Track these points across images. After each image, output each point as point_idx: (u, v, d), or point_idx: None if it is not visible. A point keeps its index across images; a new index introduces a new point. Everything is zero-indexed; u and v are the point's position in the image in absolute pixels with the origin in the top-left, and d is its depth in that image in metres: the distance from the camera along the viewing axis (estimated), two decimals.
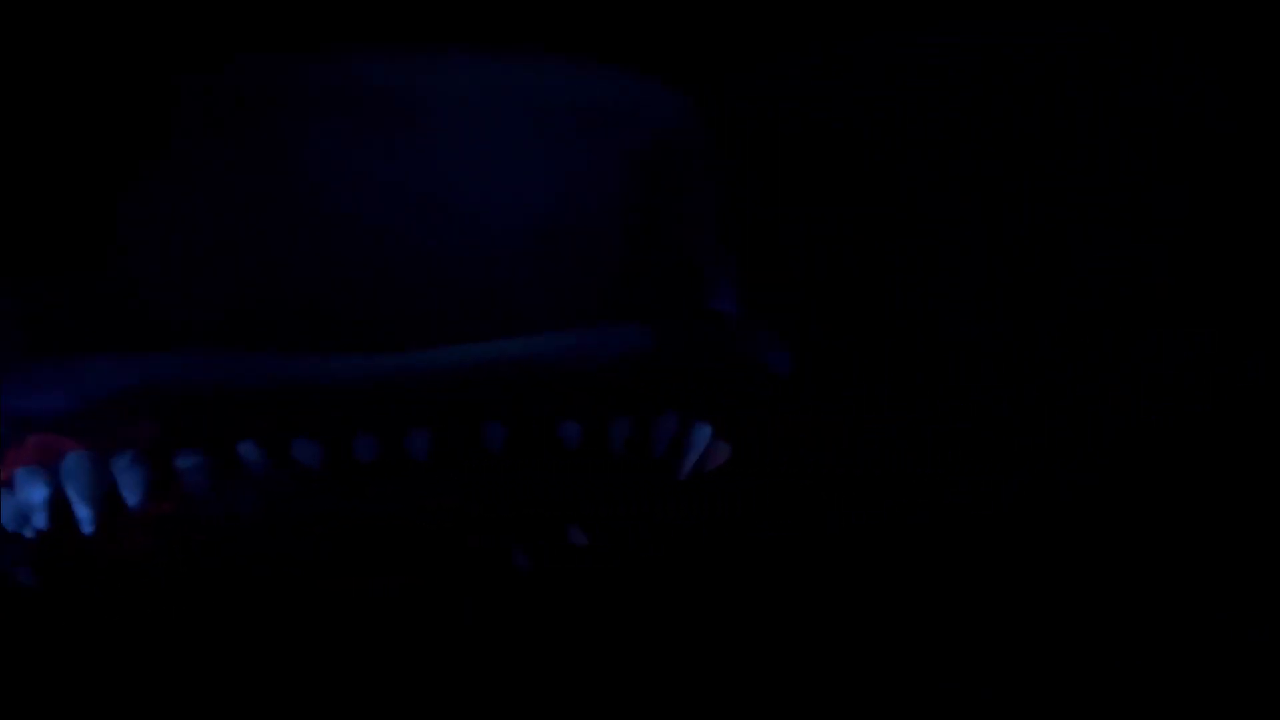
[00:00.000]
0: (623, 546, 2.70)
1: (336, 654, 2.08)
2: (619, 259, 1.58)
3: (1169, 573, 2.57)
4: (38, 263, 1.44)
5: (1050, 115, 2.88)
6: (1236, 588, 2.43)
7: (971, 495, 3.22)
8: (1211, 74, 2.72)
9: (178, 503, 1.43)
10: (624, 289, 1.61)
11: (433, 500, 1.69)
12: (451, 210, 1.47)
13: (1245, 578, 2.51)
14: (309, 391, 1.32)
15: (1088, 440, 3.40)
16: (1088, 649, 2.10)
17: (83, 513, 1.33)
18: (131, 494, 1.34)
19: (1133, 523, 3.02)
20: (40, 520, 1.35)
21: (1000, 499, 3.07)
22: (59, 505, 1.41)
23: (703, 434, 1.63)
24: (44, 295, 1.45)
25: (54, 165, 1.53)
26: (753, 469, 2.80)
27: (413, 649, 2.08)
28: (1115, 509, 3.20)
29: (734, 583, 2.55)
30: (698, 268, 1.77)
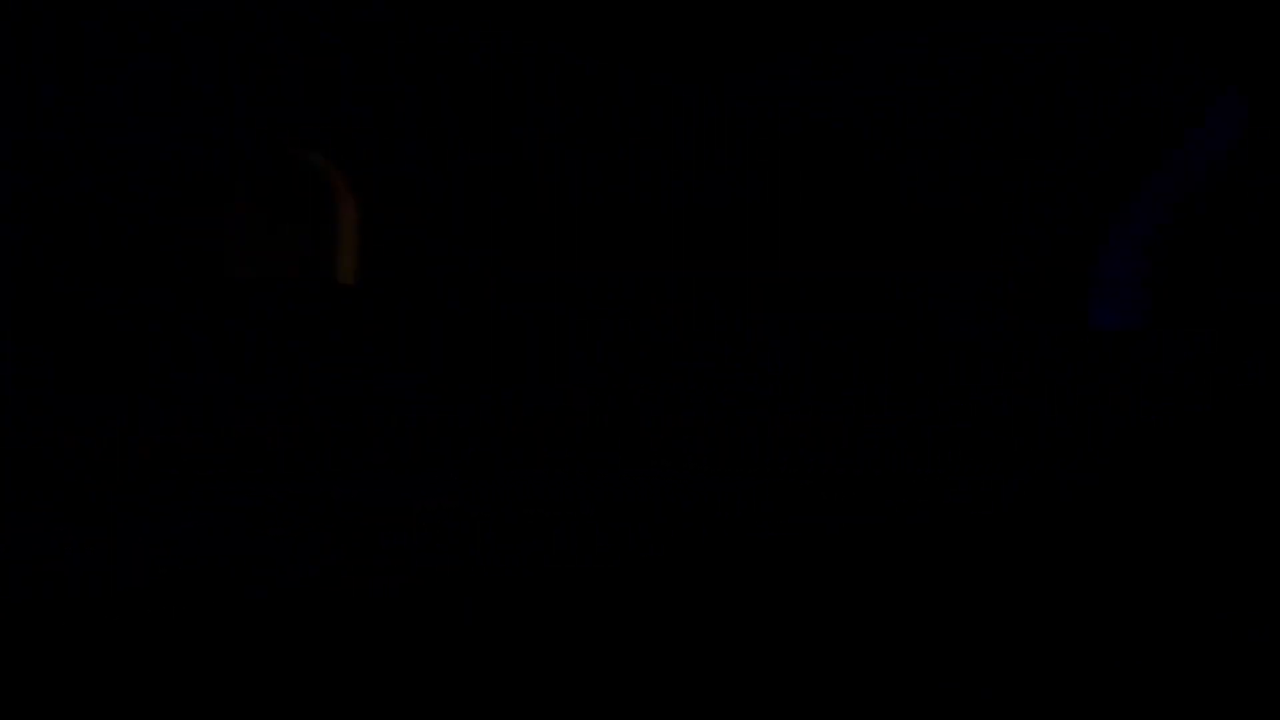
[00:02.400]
0: (623, 546, 2.69)
1: (337, 654, 2.07)
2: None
3: (1169, 573, 2.57)
4: None
5: (1050, 115, 2.88)
6: (1236, 588, 2.43)
7: (971, 495, 3.21)
8: (1211, 74, 2.72)
9: None
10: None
11: (433, 500, 1.69)
12: None
13: (1245, 578, 2.51)
14: None
15: (1088, 440, 3.39)
16: (1088, 649, 2.10)
17: None
18: None
19: (1133, 523, 3.02)
20: None
21: (1000, 499, 3.06)
22: None
23: None
24: None
25: None
26: (753, 469, 2.78)
27: (412, 649, 2.07)
28: (1115, 509, 3.20)
29: (735, 583, 2.55)
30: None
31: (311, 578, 2.91)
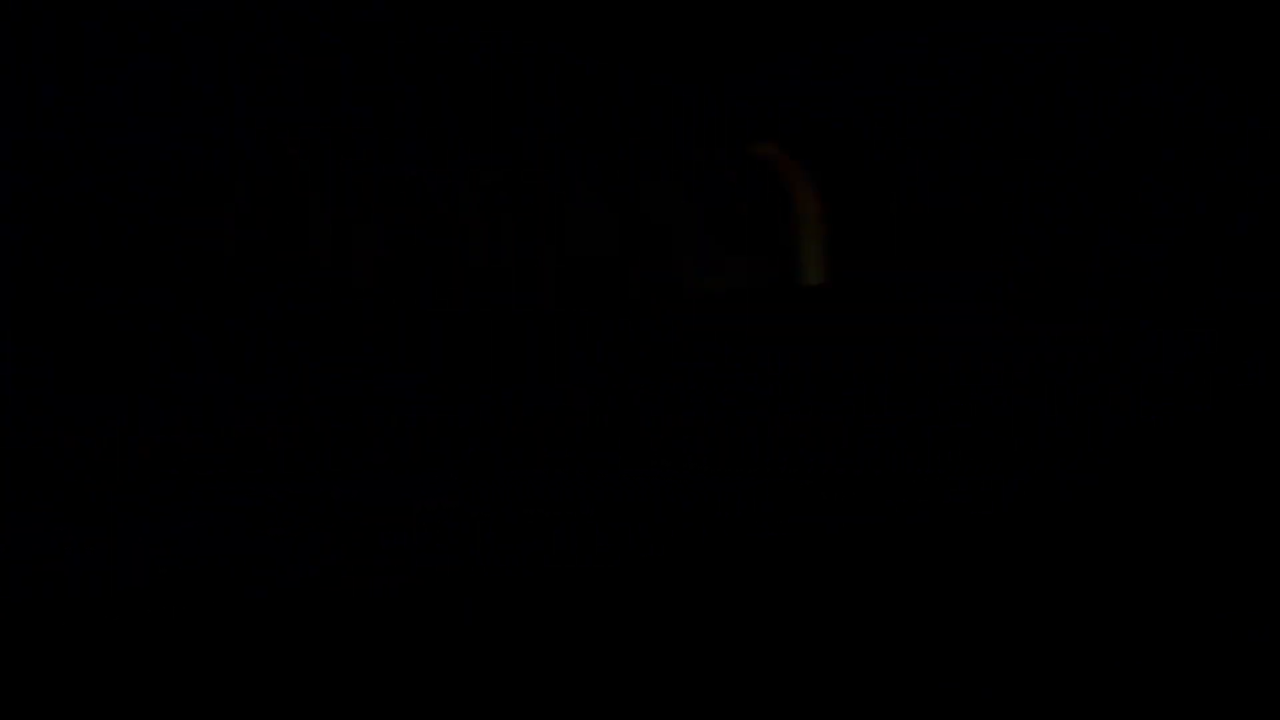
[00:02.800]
0: (623, 546, 2.68)
1: (337, 653, 2.07)
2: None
3: (1169, 573, 2.57)
4: None
5: (1050, 115, 2.89)
6: (1236, 588, 2.43)
7: (971, 495, 3.21)
8: (1211, 74, 2.73)
9: None
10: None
11: (433, 500, 1.70)
12: None
13: (1245, 578, 2.51)
14: None
15: (1088, 440, 3.38)
16: (1088, 649, 2.10)
17: None
18: None
19: (1133, 523, 3.02)
20: None
21: (1000, 499, 3.06)
22: None
23: None
24: None
25: None
26: (753, 469, 2.78)
27: (413, 649, 2.07)
28: (1115, 509, 3.20)
29: (734, 583, 2.55)
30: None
31: (311, 578, 2.92)
